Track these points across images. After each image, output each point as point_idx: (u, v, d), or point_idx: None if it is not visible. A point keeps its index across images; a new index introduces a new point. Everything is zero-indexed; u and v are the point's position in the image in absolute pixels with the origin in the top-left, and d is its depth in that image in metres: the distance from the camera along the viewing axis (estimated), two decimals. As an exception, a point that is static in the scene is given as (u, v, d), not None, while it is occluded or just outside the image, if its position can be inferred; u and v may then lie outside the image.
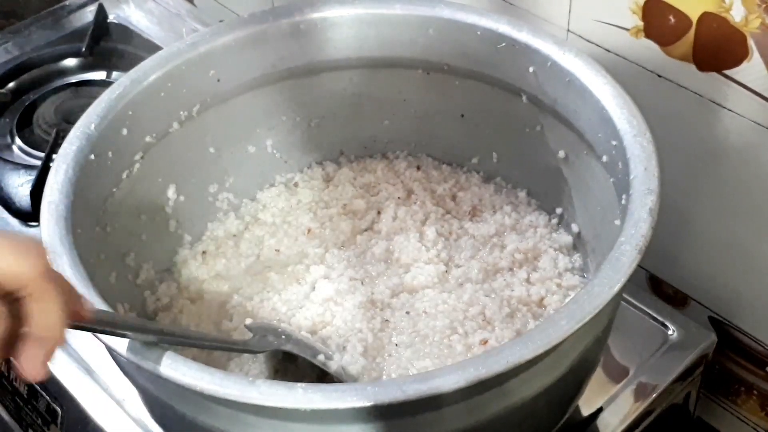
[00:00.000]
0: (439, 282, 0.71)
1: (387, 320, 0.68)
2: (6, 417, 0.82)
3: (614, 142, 0.61)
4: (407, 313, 0.68)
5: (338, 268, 0.72)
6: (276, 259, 0.74)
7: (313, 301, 0.70)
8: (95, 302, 0.55)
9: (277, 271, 0.73)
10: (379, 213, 0.77)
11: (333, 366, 0.64)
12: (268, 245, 0.76)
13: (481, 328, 0.66)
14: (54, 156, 0.64)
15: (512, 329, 0.66)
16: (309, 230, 0.76)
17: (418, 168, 0.80)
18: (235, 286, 0.73)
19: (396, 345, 0.66)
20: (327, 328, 0.68)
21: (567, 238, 0.73)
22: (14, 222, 0.86)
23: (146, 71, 0.69)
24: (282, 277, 0.73)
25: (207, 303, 0.72)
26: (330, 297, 0.70)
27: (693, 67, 0.70)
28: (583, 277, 0.71)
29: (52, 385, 0.74)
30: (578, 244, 0.72)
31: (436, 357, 0.65)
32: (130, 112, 0.68)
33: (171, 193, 0.74)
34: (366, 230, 0.76)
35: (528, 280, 0.70)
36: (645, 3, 0.70)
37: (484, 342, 0.65)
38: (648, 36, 0.71)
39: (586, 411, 0.70)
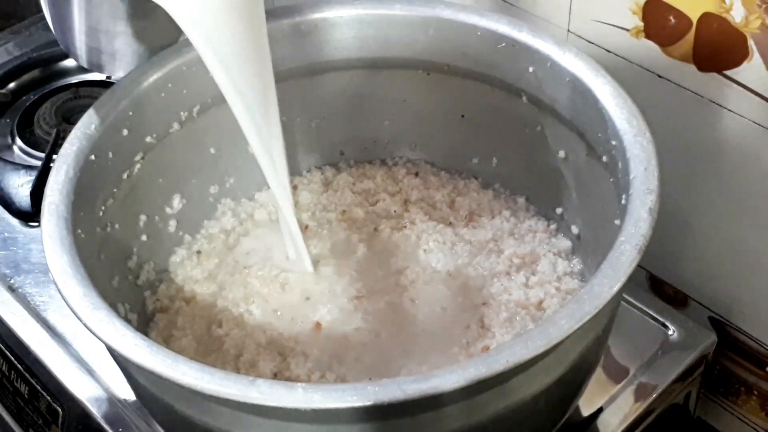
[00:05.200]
0: (438, 288, 0.71)
1: (381, 332, 0.68)
2: (7, 417, 0.82)
3: (614, 142, 0.61)
4: (405, 322, 0.68)
5: (332, 275, 0.72)
6: (266, 258, 0.74)
7: (305, 308, 0.70)
8: (95, 303, 0.55)
9: (261, 275, 0.73)
10: (377, 219, 0.77)
11: None
12: (260, 242, 0.76)
13: (481, 337, 0.66)
14: (54, 156, 0.64)
15: (512, 334, 0.66)
16: (306, 227, 0.76)
17: (417, 174, 0.80)
18: (221, 286, 0.73)
19: (395, 357, 0.66)
20: (320, 336, 0.68)
21: (566, 243, 0.73)
22: (15, 222, 0.86)
23: (146, 72, 0.69)
24: (265, 281, 0.72)
25: (200, 304, 0.72)
26: (323, 305, 0.70)
27: (693, 67, 0.70)
28: (582, 281, 0.71)
29: (53, 385, 0.74)
30: (578, 245, 0.72)
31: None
32: (131, 113, 0.68)
33: (171, 194, 0.74)
34: (363, 237, 0.76)
35: (527, 284, 0.70)
36: (645, 3, 0.70)
37: (486, 349, 0.65)
38: (648, 36, 0.71)
39: (586, 411, 0.70)
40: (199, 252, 0.76)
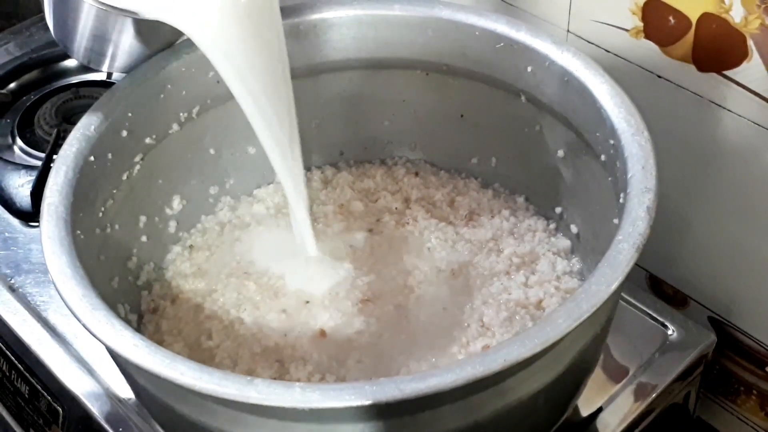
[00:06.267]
0: (438, 288, 0.70)
1: (384, 334, 0.67)
2: (7, 417, 0.82)
3: (612, 141, 0.61)
4: (407, 322, 0.68)
5: (329, 275, 0.72)
6: (262, 254, 0.74)
7: (305, 313, 0.69)
8: (94, 304, 0.55)
9: (257, 280, 0.72)
10: (378, 213, 0.77)
11: None
12: (257, 235, 0.75)
13: (481, 335, 0.66)
14: (54, 156, 0.64)
15: (512, 333, 0.66)
16: None
17: (417, 174, 0.80)
18: (212, 285, 0.72)
19: (396, 357, 0.66)
20: (321, 340, 0.68)
21: (565, 242, 0.73)
22: (15, 222, 0.86)
23: (146, 73, 0.69)
24: (260, 288, 0.72)
25: (185, 304, 0.71)
26: (325, 310, 0.69)
27: (693, 67, 0.70)
28: (582, 280, 0.71)
29: (53, 385, 0.74)
30: (577, 245, 0.72)
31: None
32: (130, 114, 0.68)
33: (171, 195, 0.74)
34: (365, 227, 0.76)
35: (526, 284, 0.70)
36: (645, 4, 0.70)
37: (486, 348, 0.65)
38: (648, 37, 0.71)
39: (585, 411, 0.70)
40: (191, 246, 0.76)
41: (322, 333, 0.68)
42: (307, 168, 0.81)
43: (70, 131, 0.65)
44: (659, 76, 0.72)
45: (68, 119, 0.94)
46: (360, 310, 0.69)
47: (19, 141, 0.93)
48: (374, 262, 0.73)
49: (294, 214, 0.71)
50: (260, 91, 0.66)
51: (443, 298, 0.70)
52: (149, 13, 0.63)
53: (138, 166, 0.69)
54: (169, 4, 0.63)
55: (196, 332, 0.69)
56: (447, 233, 0.74)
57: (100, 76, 1.00)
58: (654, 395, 0.71)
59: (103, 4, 0.63)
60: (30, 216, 0.85)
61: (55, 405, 0.74)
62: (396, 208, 0.77)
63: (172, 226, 0.75)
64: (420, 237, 0.74)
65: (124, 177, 0.68)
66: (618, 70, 0.73)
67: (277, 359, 0.66)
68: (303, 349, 0.67)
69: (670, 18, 0.69)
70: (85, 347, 0.75)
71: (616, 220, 0.58)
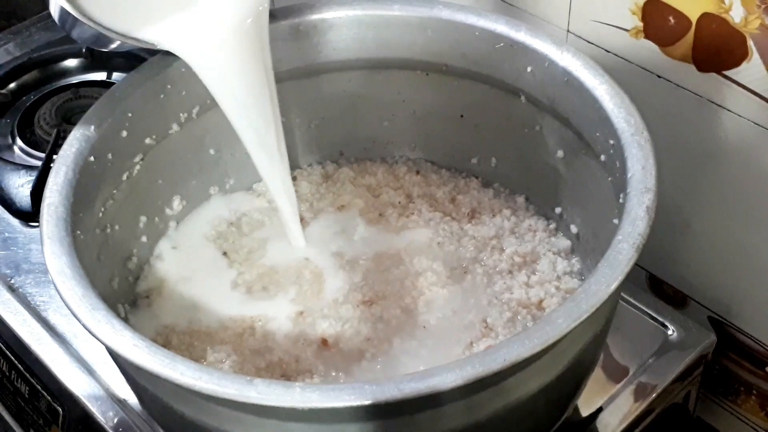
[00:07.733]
0: (449, 289, 0.70)
1: (394, 340, 0.67)
2: (7, 417, 0.82)
3: (612, 141, 0.61)
4: (415, 326, 0.68)
5: (332, 275, 0.71)
6: (263, 255, 0.74)
7: (306, 318, 0.69)
8: (94, 304, 0.55)
9: (254, 283, 0.72)
10: (381, 207, 0.77)
11: None
12: (258, 232, 0.75)
13: (484, 336, 0.66)
14: (54, 156, 0.64)
15: (514, 333, 0.66)
16: (302, 219, 0.75)
17: (418, 172, 0.80)
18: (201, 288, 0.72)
19: (403, 361, 0.66)
20: (326, 352, 0.67)
21: (565, 242, 0.73)
22: (15, 222, 0.86)
23: (146, 73, 0.69)
24: (269, 293, 0.71)
25: (179, 302, 0.71)
26: (325, 318, 0.68)
27: (692, 67, 0.70)
28: (582, 280, 0.71)
29: (53, 385, 0.74)
30: (577, 245, 0.72)
31: None
32: (130, 114, 0.68)
33: (171, 195, 0.74)
34: (363, 231, 0.76)
35: (527, 284, 0.70)
36: (645, 4, 0.70)
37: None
38: (648, 37, 0.71)
39: (585, 411, 0.70)
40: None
41: (324, 342, 0.67)
42: (308, 164, 0.82)
43: (70, 131, 0.65)
44: (659, 76, 0.72)
45: (68, 119, 0.94)
46: (364, 312, 0.69)
47: (19, 141, 0.93)
48: (378, 261, 0.73)
49: (283, 217, 0.72)
50: (251, 103, 0.67)
51: (450, 299, 0.69)
52: (163, 44, 0.65)
53: (138, 166, 0.69)
54: (177, 36, 0.64)
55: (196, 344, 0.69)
56: (452, 227, 0.74)
57: (99, 76, 1.01)
58: (654, 395, 0.71)
59: (114, 32, 0.64)
60: (30, 216, 0.85)
61: (55, 405, 0.74)
62: (399, 202, 0.77)
63: (172, 226, 0.75)
64: (427, 230, 0.74)
65: (124, 177, 0.68)
66: (618, 70, 0.73)
67: (282, 374, 0.66)
68: (308, 362, 0.66)
69: (670, 18, 0.69)
70: (85, 347, 0.75)
71: (615, 220, 0.58)
